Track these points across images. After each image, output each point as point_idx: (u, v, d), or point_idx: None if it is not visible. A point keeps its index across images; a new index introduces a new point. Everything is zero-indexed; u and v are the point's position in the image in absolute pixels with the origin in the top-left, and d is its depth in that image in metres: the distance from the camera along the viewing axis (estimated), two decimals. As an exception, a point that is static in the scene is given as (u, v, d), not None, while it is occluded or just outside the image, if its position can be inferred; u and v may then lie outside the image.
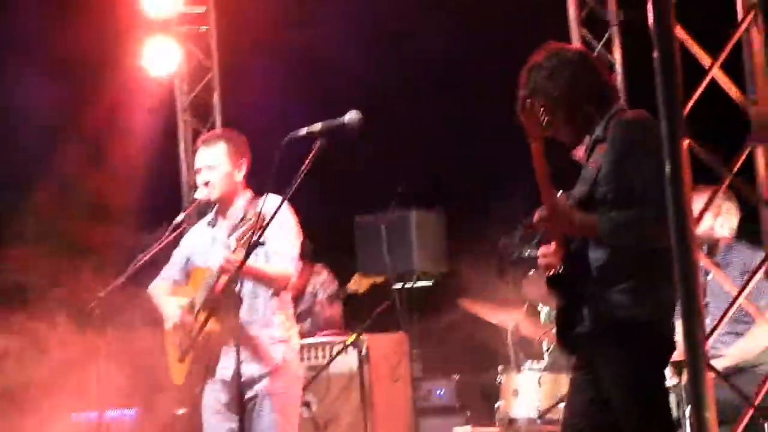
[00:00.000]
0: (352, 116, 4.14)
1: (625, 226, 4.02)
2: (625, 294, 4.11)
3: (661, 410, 4.23)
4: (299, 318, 7.05)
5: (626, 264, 4.13)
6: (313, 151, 4.14)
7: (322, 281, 7.28)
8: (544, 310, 7.26)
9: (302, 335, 6.77)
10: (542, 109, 4.09)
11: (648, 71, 3.28)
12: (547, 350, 6.23)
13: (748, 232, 5.51)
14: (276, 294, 5.24)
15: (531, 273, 5.92)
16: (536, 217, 4.13)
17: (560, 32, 7.59)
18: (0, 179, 9.50)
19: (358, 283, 7.28)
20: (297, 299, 7.10)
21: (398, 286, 7.82)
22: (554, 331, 5.85)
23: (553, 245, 4.23)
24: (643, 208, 3.94)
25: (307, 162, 4.12)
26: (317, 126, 4.17)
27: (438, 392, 7.91)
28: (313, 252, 7.13)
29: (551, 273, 4.25)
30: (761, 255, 3.55)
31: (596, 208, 4.06)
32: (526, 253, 6.17)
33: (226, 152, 5.32)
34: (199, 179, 5.35)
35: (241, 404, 4.97)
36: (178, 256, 5.55)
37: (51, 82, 9.63)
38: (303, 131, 4.20)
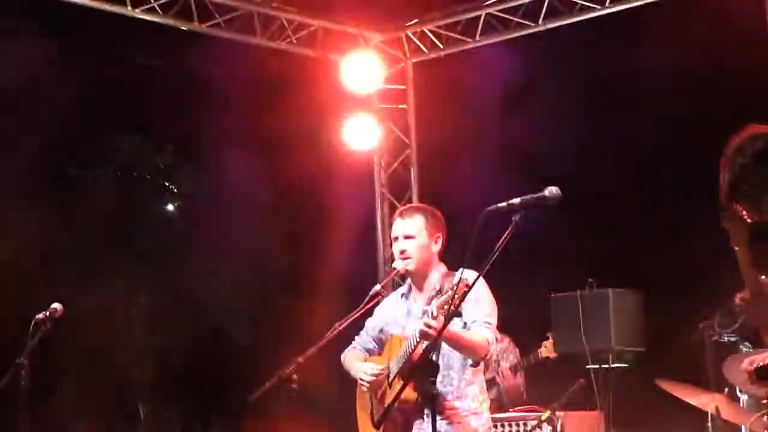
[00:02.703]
0: (552, 191, 4.11)
1: None
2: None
3: None
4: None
5: None
6: (511, 226, 4.10)
7: (504, 349, 7.25)
8: (743, 398, 7.04)
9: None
10: (745, 210, 3.72)
11: None
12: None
13: None
14: (474, 365, 5.17)
15: (729, 358, 5.75)
16: (737, 299, 4.04)
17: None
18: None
19: (550, 350, 7.20)
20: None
21: (595, 366, 7.68)
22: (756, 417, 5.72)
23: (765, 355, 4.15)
24: None
25: (504, 236, 4.08)
26: (516, 200, 4.14)
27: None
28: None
29: (759, 365, 4.16)
30: None
31: None
32: (725, 338, 6.00)
33: (423, 224, 5.33)
34: (396, 248, 5.36)
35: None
36: (371, 325, 5.58)
37: (259, 160, 10.09)
38: (503, 204, 4.16)
